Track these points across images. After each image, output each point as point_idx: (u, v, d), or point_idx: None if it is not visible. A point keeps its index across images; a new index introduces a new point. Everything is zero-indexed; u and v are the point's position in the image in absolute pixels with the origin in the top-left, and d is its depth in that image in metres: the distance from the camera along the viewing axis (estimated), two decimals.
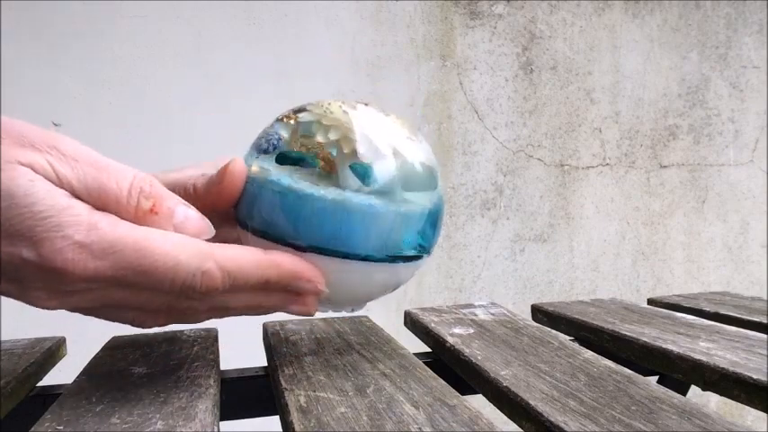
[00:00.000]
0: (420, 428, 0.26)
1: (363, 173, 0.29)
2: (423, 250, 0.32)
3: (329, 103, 0.31)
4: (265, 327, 0.47)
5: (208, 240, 0.28)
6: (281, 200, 0.29)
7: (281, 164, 0.30)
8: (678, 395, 0.30)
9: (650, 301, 0.58)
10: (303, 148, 0.30)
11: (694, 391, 0.44)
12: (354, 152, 0.29)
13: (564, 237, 1.31)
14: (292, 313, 0.31)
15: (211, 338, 0.43)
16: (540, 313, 0.54)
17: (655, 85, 1.37)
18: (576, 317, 0.48)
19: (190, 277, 0.26)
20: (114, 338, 0.44)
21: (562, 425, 0.26)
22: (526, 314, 0.53)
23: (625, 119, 1.35)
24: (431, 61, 1.22)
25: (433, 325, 0.46)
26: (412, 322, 0.50)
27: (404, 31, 1.20)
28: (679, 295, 0.59)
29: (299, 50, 1.13)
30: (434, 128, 1.21)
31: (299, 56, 1.13)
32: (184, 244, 0.26)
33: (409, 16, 1.20)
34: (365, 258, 0.30)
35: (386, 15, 1.19)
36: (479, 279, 1.25)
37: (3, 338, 0.45)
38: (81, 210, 0.25)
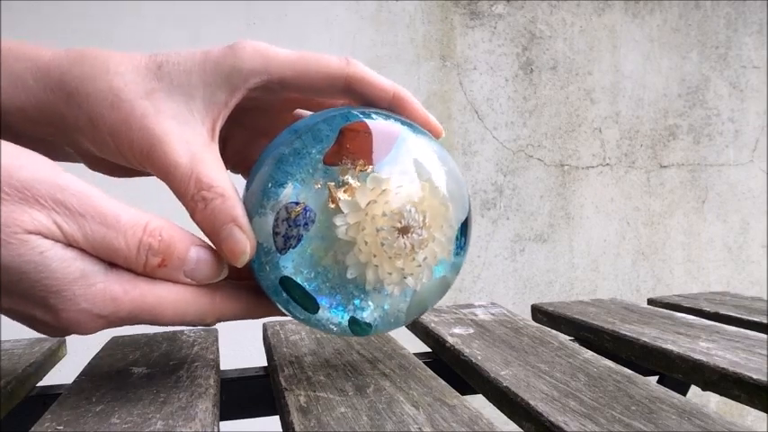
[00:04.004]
0: (420, 428, 0.26)
1: (362, 332, 0.30)
2: None
3: (371, 232, 0.27)
4: (265, 327, 0.47)
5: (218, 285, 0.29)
6: (275, 297, 0.29)
7: (282, 283, 0.28)
8: (678, 395, 0.30)
9: (650, 301, 0.58)
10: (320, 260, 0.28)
11: (694, 391, 0.44)
12: (366, 289, 0.29)
13: (564, 237, 1.31)
14: None
15: (211, 338, 0.43)
16: (540, 313, 0.54)
17: (655, 85, 1.37)
18: (576, 317, 0.48)
19: (191, 325, 0.29)
20: (114, 338, 0.44)
21: (562, 425, 0.26)
22: (526, 314, 0.53)
23: (625, 119, 1.35)
24: (431, 61, 1.22)
25: (433, 325, 0.46)
26: (412, 322, 0.50)
27: (404, 31, 1.20)
28: (679, 295, 0.59)
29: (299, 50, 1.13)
30: None
31: None
32: (190, 304, 0.27)
33: (409, 16, 1.20)
34: None
35: (386, 15, 1.19)
36: (479, 279, 1.25)
37: (3, 338, 0.45)
38: (95, 278, 0.25)
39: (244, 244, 0.27)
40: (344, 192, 0.27)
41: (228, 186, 0.27)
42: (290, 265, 0.28)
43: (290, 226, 0.27)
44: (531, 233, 1.28)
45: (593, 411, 0.28)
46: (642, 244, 1.36)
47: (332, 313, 0.29)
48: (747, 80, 1.43)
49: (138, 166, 0.29)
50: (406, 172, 0.28)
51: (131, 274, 0.26)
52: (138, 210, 0.26)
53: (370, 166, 0.28)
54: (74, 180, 0.25)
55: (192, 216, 0.28)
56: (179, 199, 0.28)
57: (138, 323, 0.27)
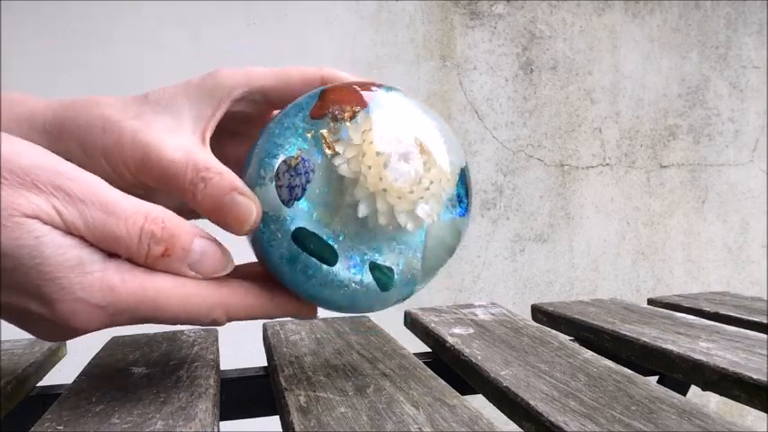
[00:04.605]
0: (420, 428, 0.26)
1: (384, 281, 0.29)
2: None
3: (371, 163, 0.27)
4: (265, 327, 0.47)
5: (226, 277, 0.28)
6: (288, 270, 0.28)
7: (296, 239, 0.28)
8: (678, 395, 0.30)
9: (650, 301, 0.58)
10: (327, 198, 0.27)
11: (694, 391, 0.44)
12: (378, 225, 0.27)
13: (564, 237, 1.31)
14: None
15: (211, 338, 0.43)
16: (540, 313, 0.54)
17: (655, 85, 1.37)
18: (576, 317, 0.48)
19: (199, 322, 0.27)
20: (114, 338, 0.44)
21: (562, 425, 0.26)
22: (526, 314, 0.53)
23: (625, 119, 1.35)
24: (431, 61, 1.22)
25: (433, 325, 0.46)
26: (412, 322, 0.50)
27: (404, 31, 1.20)
28: (679, 295, 0.59)
29: (299, 50, 1.13)
30: None
31: (299, 56, 1.13)
32: (196, 295, 0.26)
33: (409, 16, 1.20)
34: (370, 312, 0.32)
35: (386, 15, 1.19)
36: (479, 279, 1.25)
37: (3, 338, 0.45)
38: (93, 266, 0.24)
39: (248, 206, 0.27)
40: (337, 144, 0.27)
41: (225, 167, 0.28)
42: (302, 223, 0.27)
43: (291, 175, 0.27)
44: (531, 233, 1.28)
45: (593, 411, 0.28)
46: (642, 244, 1.36)
47: (352, 273, 0.28)
48: (747, 80, 1.43)
49: (133, 182, 0.29)
50: (394, 113, 0.28)
51: (132, 264, 0.25)
52: (141, 200, 0.26)
53: (359, 107, 0.28)
54: (74, 168, 0.24)
55: (194, 201, 0.27)
56: (179, 193, 0.28)
57: (140, 319, 0.26)
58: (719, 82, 1.41)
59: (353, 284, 0.28)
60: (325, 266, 0.28)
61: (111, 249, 0.25)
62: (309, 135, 0.28)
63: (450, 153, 0.29)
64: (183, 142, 0.28)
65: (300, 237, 0.27)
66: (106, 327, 0.26)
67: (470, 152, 1.24)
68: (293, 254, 0.28)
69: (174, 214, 0.26)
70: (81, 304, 0.24)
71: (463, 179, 0.30)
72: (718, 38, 1.41)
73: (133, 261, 0.25)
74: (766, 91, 1.44)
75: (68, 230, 0.24)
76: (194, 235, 0.26)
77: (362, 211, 0.27)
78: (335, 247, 0.28)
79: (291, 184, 0.27)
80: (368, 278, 0.28)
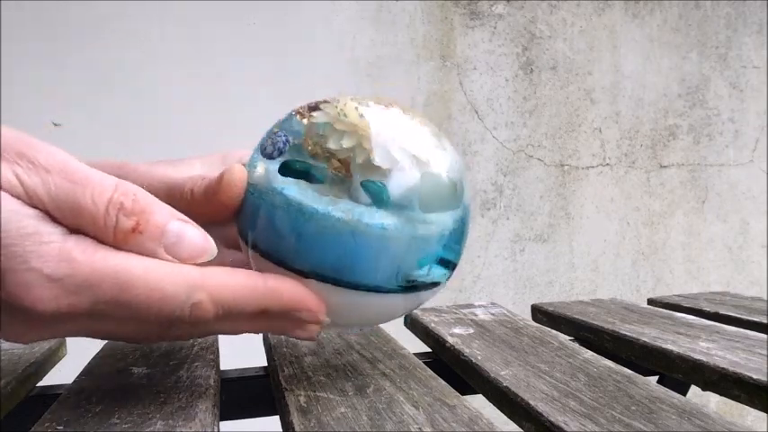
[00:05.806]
0: (420, 428, 0.26)
1: (377, 192, 0.26)
2: (442, 276, 0.30)
3: (345, 104, 0.28)
4: None
5: (205, 264, 0.25)
6: (282, 214, 0.26)
7: (286, 174, 0.27)
8: (678, 395, 0.30)
9: (650, 301, 0.58)
10: (313, 150, 0.27)
11: (694, 391, 0.44)
12: (369, 162, 0.26)
13: (564, 237, 1.31)
14: (293, 337, 0.29)
15: (211, 338, 0.43)
16: (540, 313, 0.54)
17: (655, 85, 1.37)
18: (576, 317, 0.48)
19: (178, 310, 0.23)
20: None
21: (562, 425, 0.26)
22: (526, 314, 0.53)
23: (625, 119, 1.35)
24: (431, 61, 1.22)
25: (433, 325, 0.46)
26: (412, 322, 0.50)
27: (404, 31, 1.20)
28: (679, 295, 0.59)
29: (298, 50, 1.13)
30: None
31: (299, 56, 1.13)
32: (170, 273, 0.23)
33: (409, 16, 1.20)
34: (374, 289, 0.27)
35: (386, 15, 1.19)
36: (479, 279, 1.25)
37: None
38: (51, 236, 0.22)
39: (233, 165, 0.27)
40: (312, 112, 0.29)
41: None
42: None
43: (273, 138, 0.28)
44: (531, 233, 1.28)
45: (593, 411, 0.28)
46: (642, 244, 1.36)
47: (350, 216, 0.26)
48: (747, 80, 1.43)
49: None
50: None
51: (96, 240, 0.23)
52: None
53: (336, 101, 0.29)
54: (43, 142, 0.23)
55: (191, 198, 0.27)
56: (180, 205, 0.27)
57: (104, 301, 0.22)
58: (719, 82, 1.41)
59: (353, 222, 0.26)
60: (320, 207, 0.26)
61: (75, 223, 0.23)
62: (283, 118, 0.29)
63: (430, 125, 0.30)
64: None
65: (287, 165, 0.27)
66: (66, 311, 0.22)
67: (470, 152, 1.24)
68: (287, 199, 0.26)
69: (149, 194, 0.24)
70: (34, 275, 0.21)
71: (451, 158, 0.29)
72: (718, 38, 1.41)
73: (100, 239, 0.23)
74: (766, 91, 1.44)
75: (30, 201, 0.22)
76: (171, 215, 0.24)
77: (347, 142, 0.27)
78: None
79: (274, 142, 0.28)
80: (368, 218, 0.26)
